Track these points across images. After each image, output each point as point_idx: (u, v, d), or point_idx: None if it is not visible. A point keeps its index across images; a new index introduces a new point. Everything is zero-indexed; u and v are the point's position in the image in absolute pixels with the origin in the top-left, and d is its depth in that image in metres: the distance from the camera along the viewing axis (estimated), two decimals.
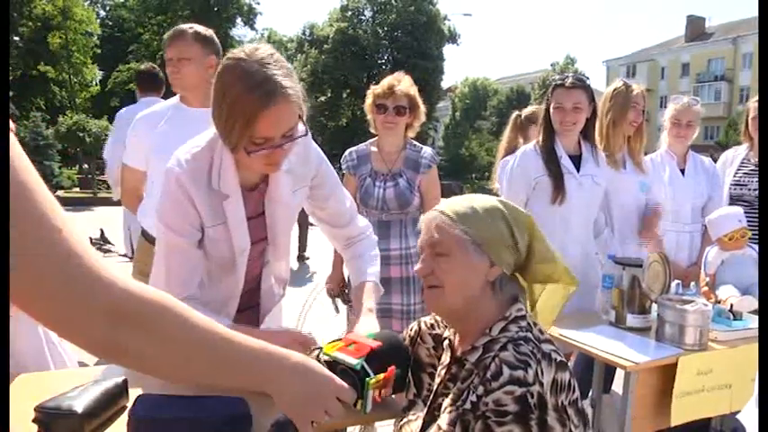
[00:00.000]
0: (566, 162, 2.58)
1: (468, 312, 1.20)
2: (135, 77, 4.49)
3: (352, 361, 1.16)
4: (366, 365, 1.16)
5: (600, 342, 2.05)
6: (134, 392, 1.32)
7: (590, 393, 2.58)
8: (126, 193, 2.67)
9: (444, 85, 41.32)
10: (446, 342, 1.30)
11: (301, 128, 1.36)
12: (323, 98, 36.04)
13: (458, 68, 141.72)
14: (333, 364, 1.18)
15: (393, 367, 1.18)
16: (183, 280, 1.47)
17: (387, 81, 2.60)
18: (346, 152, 2.74)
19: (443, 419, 1.11)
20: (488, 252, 1.18)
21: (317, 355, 1.25)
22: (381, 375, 1.16)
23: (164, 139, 2.35)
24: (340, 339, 1.30)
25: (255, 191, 1.53)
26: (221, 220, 1.46)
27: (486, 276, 1.18)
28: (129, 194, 2.64)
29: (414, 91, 2.61)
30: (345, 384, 0.96)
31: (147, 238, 2.46)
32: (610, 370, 2.60)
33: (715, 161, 3.38)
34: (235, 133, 1.30)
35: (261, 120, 1.27)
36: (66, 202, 13.95)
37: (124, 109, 4.07)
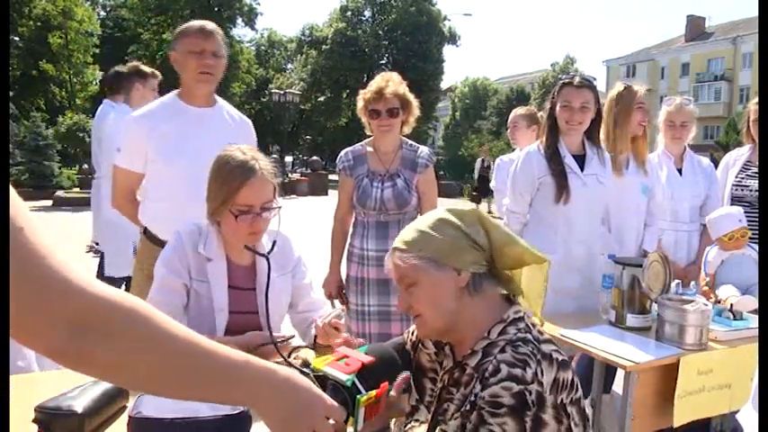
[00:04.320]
0: (569, 161, 2.57)
1: (455, 324, 1.20)
2: (118, 78, 4.01)
3: (343, 377, 1.11)
4: (357, 382, 1.11)
5: (600, 342, 2.05)
6: (134, 392, 1.32)
7: (590, 393, 2.58)
8: (120, 195, 2.45)
9: (444, 85, 41.28)
10: (447, 347, 1.30)
11: (276, 203, 1.72)
12: (322, 98, 36.00)
13: (458, 68, 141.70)
14: (322, 380, 1.12)
15: (386, 384, 1.14)
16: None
17: (375, 85, 2.54)
18: (342, 153, 2.71)
19: (449, 426, 1.11)
20: (449, 263, 1.18)
21: (307, 370, 1.22)
22: (373, 392, 1.11)
23: (164, 141, 2.28)
24: (330, 351, 1.26)
25: (246, 269, 1.82)
26: (204, 279, 1.75)
27: (456, 285, 1.19)
28: (124, 197, 2.45)
29: (403, 89, 2.56)
30: (335, 403, 0.93)
31: (150, 237, 2.35)
32: (610, 370, 2.60)
33: (715, 161, 3.36)
34: (224, 200, 1.67)
35: (244, 189, 1.66)
36: (66, 203, 13.96)
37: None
